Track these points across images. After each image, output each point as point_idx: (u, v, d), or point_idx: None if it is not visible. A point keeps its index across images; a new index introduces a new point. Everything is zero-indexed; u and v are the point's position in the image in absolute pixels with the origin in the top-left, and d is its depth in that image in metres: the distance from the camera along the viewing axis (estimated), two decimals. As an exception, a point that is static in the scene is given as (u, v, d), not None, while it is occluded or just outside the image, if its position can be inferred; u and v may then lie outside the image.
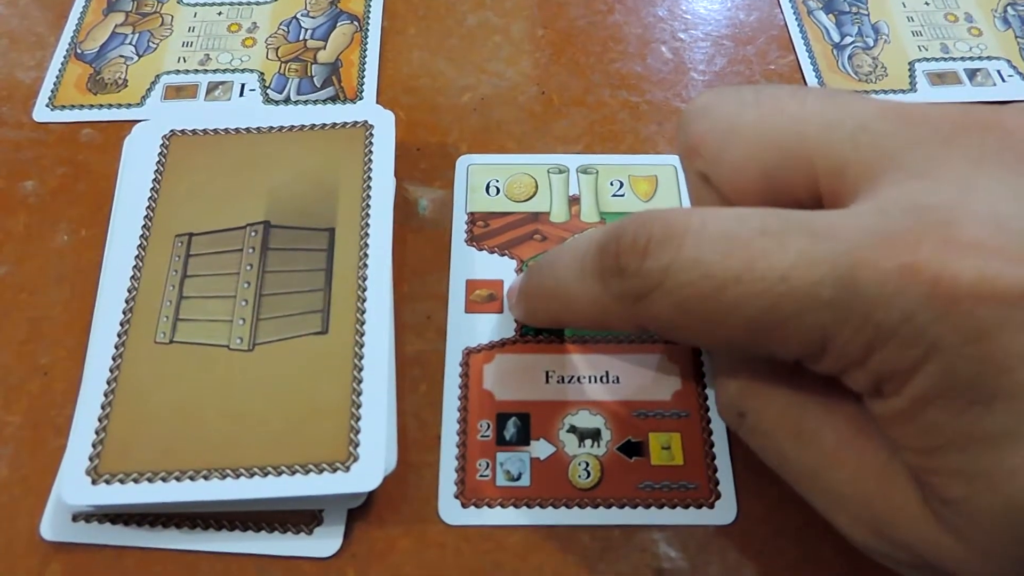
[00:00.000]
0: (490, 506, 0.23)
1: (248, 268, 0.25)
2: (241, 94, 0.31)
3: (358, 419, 0.22)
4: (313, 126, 0.28)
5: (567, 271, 0.20)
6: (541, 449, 0.23)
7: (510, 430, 0.24)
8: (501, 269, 0.27)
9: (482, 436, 0.24)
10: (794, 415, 0.18)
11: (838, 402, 0.18)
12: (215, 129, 0.28)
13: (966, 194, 0.15)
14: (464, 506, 0.23)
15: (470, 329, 0.25)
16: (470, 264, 0.27)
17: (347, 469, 0.22)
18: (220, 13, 0.33)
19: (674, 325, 0.18)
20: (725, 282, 0.16)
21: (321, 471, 0.21)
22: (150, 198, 0.27)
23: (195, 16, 0.33)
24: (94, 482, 0.21)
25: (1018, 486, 0.14)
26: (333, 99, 0.31)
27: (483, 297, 0.26)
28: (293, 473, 0.21)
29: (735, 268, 0.16)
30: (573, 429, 0.24)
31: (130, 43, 0.32)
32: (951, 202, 0.15)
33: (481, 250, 0.27)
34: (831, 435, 0.18)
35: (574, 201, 0.28)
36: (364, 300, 0.24)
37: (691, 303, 0.17)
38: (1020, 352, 0.14)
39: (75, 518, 0.22)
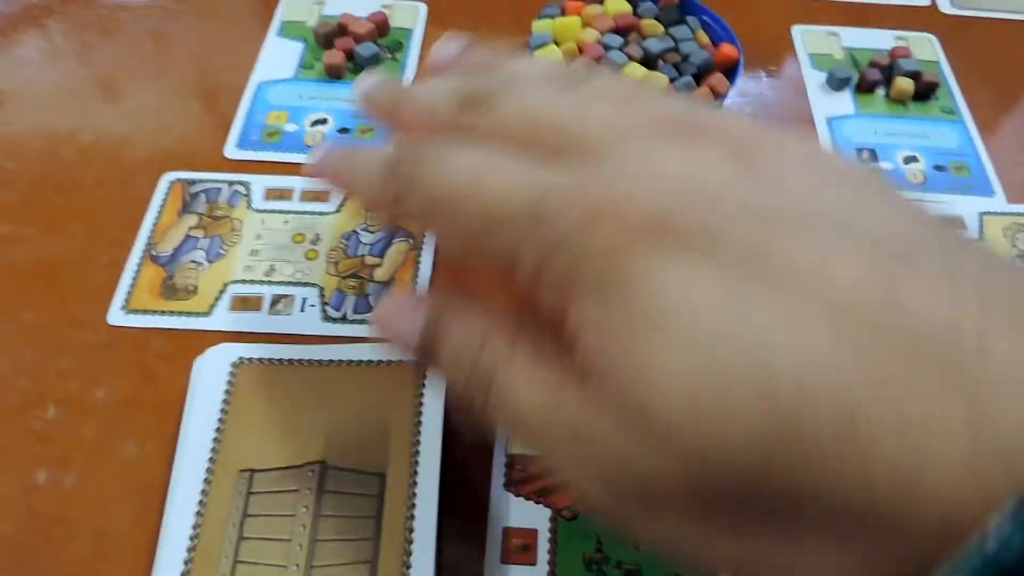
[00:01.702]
0: None
1: (303, 510, 0.27)
2: (302, 309, 0.33)
3: (399, 676, 0.24)
4: (370, 362, 0.30)
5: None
6: None
7: None
8: (537, 517, 0.28)
9: None
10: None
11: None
12: (279, 359, 0.30)
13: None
14: None
15: (506, 581, 0.27)
16: (507, 510, 0.29)
17: None
18: (286, 222, 0.36)
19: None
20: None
21: None
22: (217, 428, 0.29)
23: (263, 224, 0.36)
24: None
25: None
26: (386, 319, 0.33)
27: (518, 547, 0.28)
28: None
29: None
30: None
31: (201, 248, 0.35)
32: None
33: (519, 496, 0.29)
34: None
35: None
36: (411, 554, 0.26)
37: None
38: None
39: None
